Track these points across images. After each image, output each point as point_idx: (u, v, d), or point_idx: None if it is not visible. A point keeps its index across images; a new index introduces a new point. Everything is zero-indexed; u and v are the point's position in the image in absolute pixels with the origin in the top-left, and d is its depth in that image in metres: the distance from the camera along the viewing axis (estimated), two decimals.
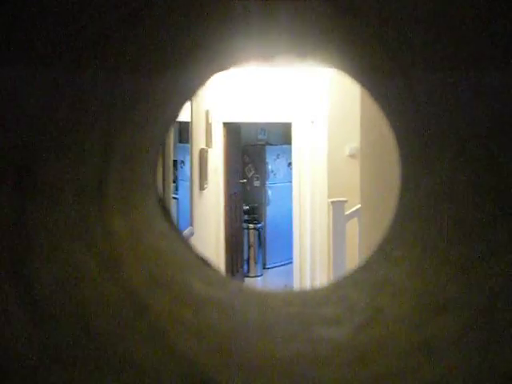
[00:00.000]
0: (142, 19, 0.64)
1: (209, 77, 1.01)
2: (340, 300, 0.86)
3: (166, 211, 0.95)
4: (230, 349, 0.71)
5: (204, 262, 0.94)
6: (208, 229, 4.33)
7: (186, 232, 3.10)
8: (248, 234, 6.74)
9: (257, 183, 7.21)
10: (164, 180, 2.49)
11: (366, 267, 0.95)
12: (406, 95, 0.84)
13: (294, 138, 5.09)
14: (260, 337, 0.75)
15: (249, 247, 6.71)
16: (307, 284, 5.02)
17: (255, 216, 7.05)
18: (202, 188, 3.81)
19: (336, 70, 1.06)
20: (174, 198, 3.02)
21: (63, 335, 0.59)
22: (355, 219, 3.33)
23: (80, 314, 0.62)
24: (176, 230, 0.96)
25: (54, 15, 0.54)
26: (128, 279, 0.72)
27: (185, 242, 0.96)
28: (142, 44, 0.70)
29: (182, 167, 3.37)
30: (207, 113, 4.13)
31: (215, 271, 0.95)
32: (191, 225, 3.30)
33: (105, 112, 0.73)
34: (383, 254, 0.93)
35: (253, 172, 7.19)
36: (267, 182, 7.14)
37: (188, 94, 1.02)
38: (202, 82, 1.01)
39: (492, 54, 0.60)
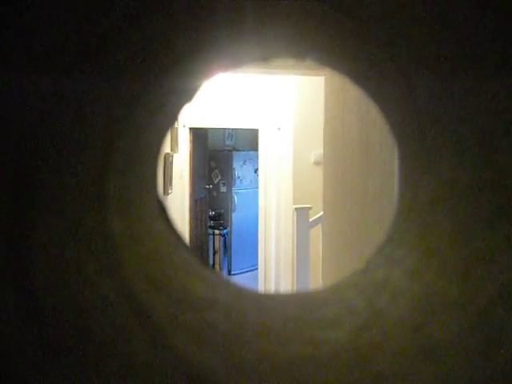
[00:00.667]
0: (138, 24, 0.64)
1: (207, 79, 1.01)
2: (339, 302, 0.86)
3: (165, 213, 0.95)
4: (229, 351, 0.71)
5: (204, 265, 0.94)
6: None
7: None
8: (214, 239, 6.73)
9: (223, 189, 7.20)
10: None
11: (364, 269, 0.94)
12: (406, 97, 0.84)
13: (260, 145, 5.12)
14: (259, 339, 0.75)
15: (214, 253, 6.70)
16: (272, 290, 5.03)
17: (221, 222, 7.04)
18: (166, 193, 3.79)
19: (334, 71, 1.07)
20: None
21: (63, 339, 0.59)
22: (319, 226, 3.35)
23: (79, 317, 0.62)
24: (175, 231, 0.96)
25: (52, 19, 0.54)
26: (127, 282, 0.72)
27: (185, 245, 0.96)
28: (140, 48, 0.70)
29: None
30: None
31: (215, 273, 0.96)
32: None
33: (104, 116, 0.73)
34: (382, 256, 0.93)
35: (219, 178, 7.19)
36: (233, 188, 7.14)
37: (187, 97, 1.02)
38: (200, 84, 1.01)
39: (493, 56, 0.60)
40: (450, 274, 0.72)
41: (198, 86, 1.04)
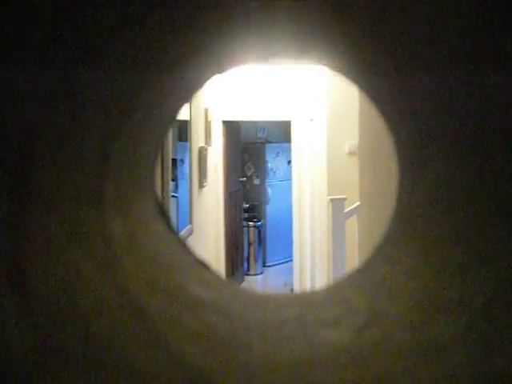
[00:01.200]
0: (140, 21, 0.64)
1: (207, 79, 1.01)
2: (339, 302, 0.86)
3: (164, 214, 0.95)
4: (229, 352, 0.71)
5: (202, 265, 0.94)
6: (207, 227, 4.33)
7: (184, 230, 3.10)
8: (248, 232, 6.75)
9: (256, 181, 7.21)
10: (163, 179, 2.49)
11: (364, 268, 0.95)
12: (403, 96, 0.84)
13: (293, 136, 5.10)
14: (259, 339, 0.75)
15: (249, 245, 6.73)
16: (307, 281, 5.03)
17: (255, 214, 7.06)
18: (201, 186, 3.82)
19: (332, 70, 1.06)
20: (174, 196, 3.03)
21: (61, 340, 0.59)
22: (354, 216, 3.33)
23: (78, 319, 0.62)
24: (174, 232, 0.96)
25: (52, 15, 0.53)
26: (126, 283, 0.72)
27: (183, 245, 0.96)
28: (141, 46, 0.70)
29: (181, 166, 3.37)
30: (206, 111, 4.13)
31: (214, 274, 0.95)
32: (190, 223, 3.30)
33: (102, 115, 0.73)
34: (382, 255, 0.93)
35: (252, 170, 7.20)
36: (267, 180, 7.15)
37: (186, 96, 1.02)
38: (200, 84, 1.01)
39: (490, 54, 0.60)
40: (449, 274, 0.71)
41: (196, 87, 1.04)
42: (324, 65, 1.04)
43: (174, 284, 0.83)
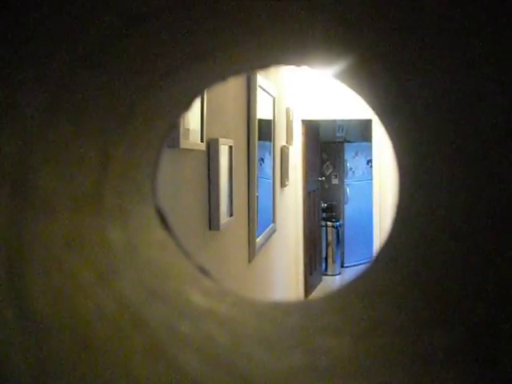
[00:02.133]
0: (140, 28, 0.63)
1: (208, 86, 1.01)
2: (339, 310, 0.85)
3: (164, 221, 0.94)
4: (229, 361, 0.70)
5: (203, 272, 0.94)
6: (288, 226, 4.34)
7: (267, 230, 3.12)
8: (326, 232, 6.70)
9: (335, 181, 7.15)
10: (249, 178, 2.52)
11: (365, 276, 0.94)
12: (403, 104, 0.83)
13: (374, 135, 5.01)
14: (260, 348, 0.74)
15: (327, 245, 6.67)
16: None
17: (333, 214, 7.00)
18: (283, 185, 3.83)
19: (334, 78, 1.05)
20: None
21: (60, 349, 0.58)
22: None
23: (76, 327, 0.61)
24: (175, 239, 0.95)
25: (53, 21, 0.53)
26: (125, 290, 0.71)
27: (183, 252, 0.94)
28: (141, 53, 0.70)
29: (261, 165, 3.39)
30: (288, 110, 4.14)
31: (214, 282, 0.94)
32: (273, 222, 3.31)
33: (102, 122, 0.72)
34: (382, 263, 0.92)
35: (331, 169, 7.15)
36: (346, 180, 7.07)
37: (186, 102, 1.02)
38: (200, 91, 1.00)
39: (490, 61, 0.58)
40: (450, 283, 0.70)
41: (196, 94, 1.02)
42: (324, 71, 1.02)
43: (173, 292, 0.82)
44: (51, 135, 0.62)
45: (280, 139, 3.74)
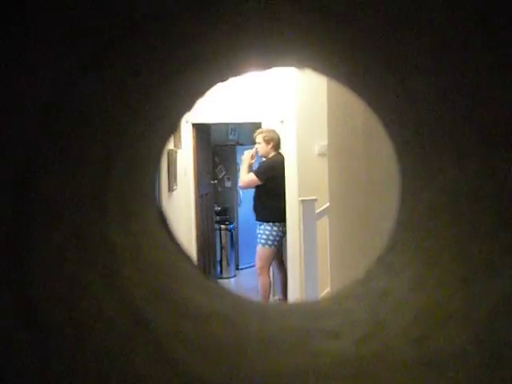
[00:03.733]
0: (142, 31, 0.63)
1: (209, 88, 1.01)
2: (340, 312, 0.86)
3: (165, 223, 0.94)
4: (231, 362, 0.71)
5: (204, 274, 0.93)
6: (179, 230, 4.30)
7: None
8: (220, 234, 6.72)
9: (228, 184, 7.20)
10: None
11: (365, 279, 0.94)
12: (405, 106, 0.84)
13: None
14: (261, 350, 0.74)
15: (221, 248, 6.70)
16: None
17: (227, 217, 7.04)
18: (170, 189, 3.78)
19: (334, 80, 1.06)
20: None
21: (64, 351, 0.58)
22: (325, 218, 3.34)
23: (81, 329, 0.62)
24: (176, 241, 0.95)
25: (55, 25, 0.53)
26: (128, 293, 0.71)
27: (185, 254, 0.95)
28: (144, 55, 0.70)
29: None
30: None
31: (215, 283, 0.95)
32: None
33: (105, 124, 0.72)
34: (383, 266, 0.92)
35: (224, 173, 7.18)
36: (238, 183, 7.13)
37: (188, 104, 1.01)
38: (201, 92, 1.00)
39: (492, 60, 0.60)
40: (452, 285, 0.71)
41: (197, 96, 1.03)
42: (323, 74, 1.04)
43: (176, 294, 0.82)
44: (54, 137, 0.61)
45: None
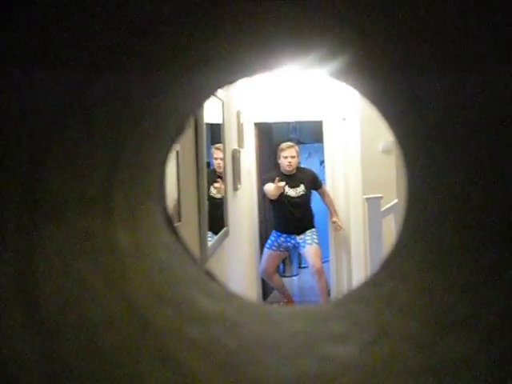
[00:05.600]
0: (152, 33, 0.64)
1: (216, 89, 1.01)
2: (346, 316, 0.85)
3: (171, 224, 0.94)
4: (235, 365, 0.70)
5: (210, 277, 0.94)
6: (242, 229, 4.34)
7: (221, 233, 3.11)
8: None
9: None
10: (198, 182, 2.50)
11: (372, 283, 0.94)
12: (414, 113, 0.83)
13: (325, 136, 5.06)
14: (265, 353, 0.74)
15: None
16: (344, 283, 4.98)
17: None
18: (235, 188, 3.82)
19: (343, 82, 1.05)
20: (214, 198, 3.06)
21: (68, 351, 0.58)
22: (391, 215, 3.28)
23: (86, 331, 0.62)
24: (182, 242, 0.95)
25: (66, 25, 0.54)
26: (133, 294, 0.72)
27: (190, 256, 0.95)
28: (152, 57, 0.70)
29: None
30: (238, 113, 4.14)
31: (221, 286, 0.94)
32: (226, 225, 3.30)
33: (113, 125, 0.73)
34: (390, 270, 0.92)
35: None
36: None
37: (194, 106, 1.02)
38: (209, 93, 1.00)
39: (499, 62, 0.59)
40: (458, 291, 0.70)
41: (205, 96, 1.03)
42: (330, 74, 1.03)
43: (181, 296, 0.82)
44: (63, 138, 0.62)
45: (231, 142, 3.73)
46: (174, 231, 0.94)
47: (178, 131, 1.03)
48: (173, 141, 1.01)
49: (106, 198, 0.74)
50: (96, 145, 0.70)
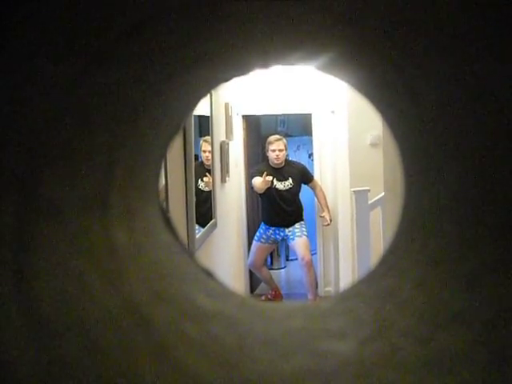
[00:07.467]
0: (146, 32, 0.64)
1: (212, 87, 1.00)
2: (344, 312, 0.85)
3: (168, 222, 0.94)
4: (234, 363, 0.71)
5: (207, 274, 0.94)
6: (230, 221, 4.34)
7: (208, 225, 3.11)
8: None
9: None
10: (186, 174, 2.49)
11: (370, 279, 0.94)
12: (411, 108, 0.83)
13: (314, 129, 5.06)
14: (264, 350, 0.74)
15: None
16: (331, 275, 5.01)
17: None
18: (223, 181, 3.82)
19: (342, 81, 1.05)
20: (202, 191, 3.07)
21: (67, 350, 0.58)
22: (378, 208, 3.30)
23: (83, 329, 0.62)
24: (179, 241, 0.95)
25: (62, 24, 0.53)
26: (131, 293, 0.72)
27: (188, 254, 0.95)
28: (147, 56, 0.70)
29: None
30: (227, 106, 4.13)
31: (218, 283, 0.94)
32: (214, 217, 3.30)
33: (109, 124, 0.73)
34: (388, 266, 0.92)
35: None
36: None
37: (190, 105, 1.01)
38: (204, 92, 1.00)
39: (498, 65, 0.59)
40: (456, 285, 0.70)
41: (200, 95, 1.03)
42: (332, 75, 1.03)
43: (179, 294, 0.82)
44: (59, 137, 0.62)
45: (219, 135, 3.72)
46: (172, 230, 0.94)
47: (174, 130, 1.03)
48: (169, 140, 1.01)
49: (104, 198, 0.74)
50: (93, 144, 0.70)
